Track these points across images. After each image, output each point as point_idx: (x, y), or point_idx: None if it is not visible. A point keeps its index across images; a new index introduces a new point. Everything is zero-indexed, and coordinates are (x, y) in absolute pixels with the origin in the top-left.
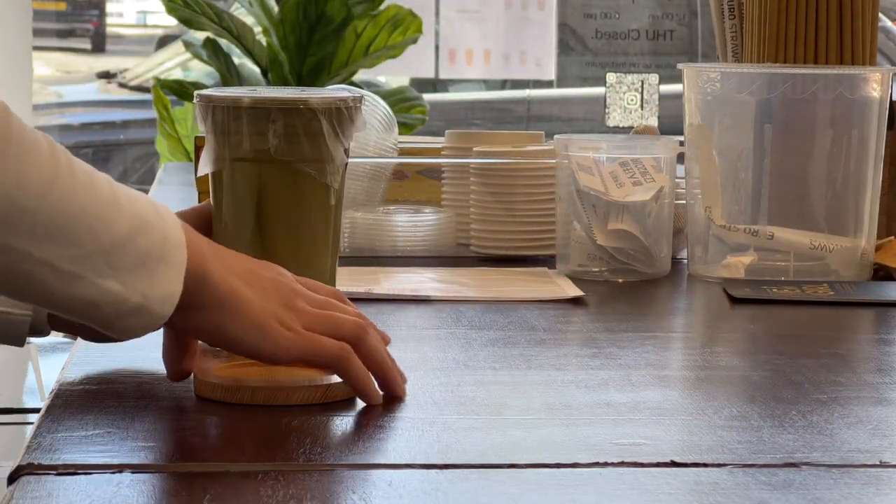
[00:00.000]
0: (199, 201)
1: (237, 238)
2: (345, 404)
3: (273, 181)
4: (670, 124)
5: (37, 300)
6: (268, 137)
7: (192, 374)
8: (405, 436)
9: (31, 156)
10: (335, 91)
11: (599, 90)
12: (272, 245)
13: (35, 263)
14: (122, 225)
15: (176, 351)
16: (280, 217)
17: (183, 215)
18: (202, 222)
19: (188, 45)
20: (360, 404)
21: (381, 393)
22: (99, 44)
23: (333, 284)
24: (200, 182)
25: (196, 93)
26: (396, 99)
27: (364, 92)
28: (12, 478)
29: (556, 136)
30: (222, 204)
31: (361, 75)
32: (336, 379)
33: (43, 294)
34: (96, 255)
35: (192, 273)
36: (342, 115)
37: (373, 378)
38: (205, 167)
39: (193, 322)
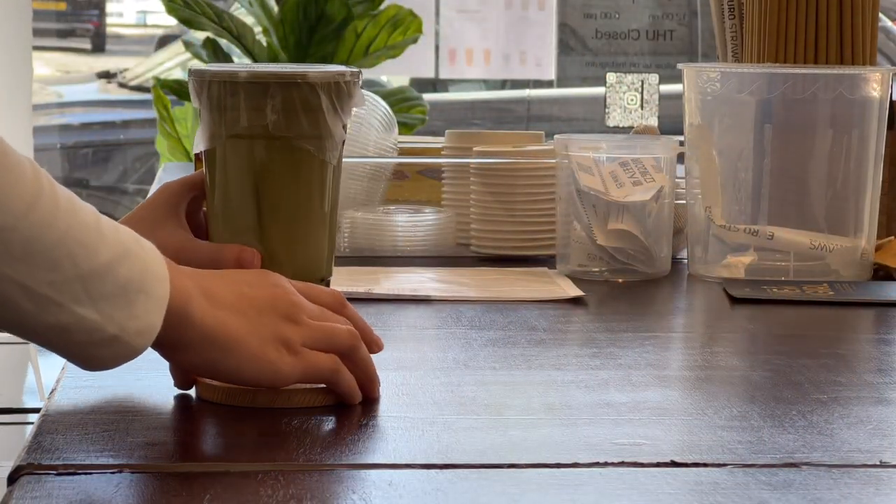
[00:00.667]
0: None
1: (232, 217)
2: (345, 405)
3: (271, 158)
4: (670, 124)
5: (8, 323)
6: (266, 113)
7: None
8: (405, 436)
9: (12, 175)
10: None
11: (599, 90)
12: (269, 223)
13: (8, 283)
14: (103, 253)
15: None
16: (277, 195)
17: (172, 186)
18: (191, 192)
19: (188, 45)
20: (361, 405)
21: (361, 394)
22: (99, 44)
23: (331, 265)
24: (198, 161)
25: (190, 68)
26: (396, 99)
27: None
28: (12, 478)
29: (556, 136)
30: (218, 182)
31: (363, 74)
32: None
33: (14, 316)
34: (75, 281)
35: (174, 311)
36: (341, 89)
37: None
38: (199, 145)
39: (184, 360)
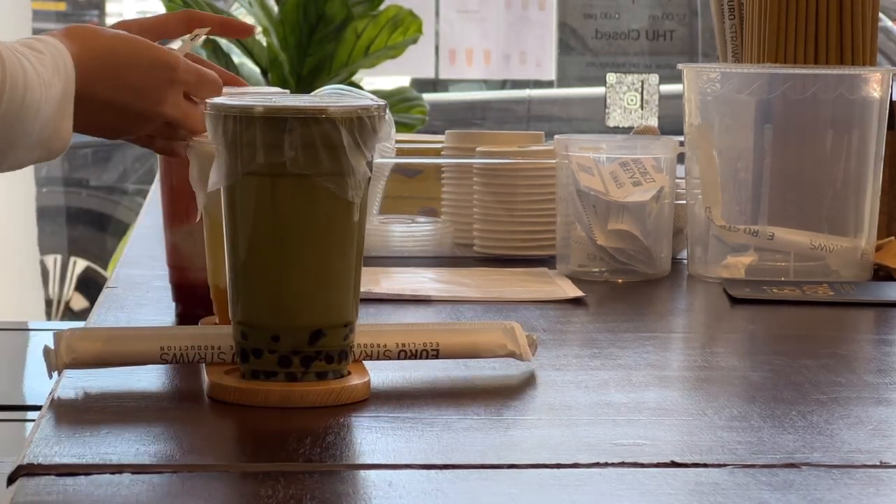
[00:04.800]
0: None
1: (248, 258)
2: (345, 405)
3: (289, 197)
4: (670, 124)
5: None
6: (283, 149)
7: (207, 380)
8: (405, 436)
9: None
10: (358, 99)
11: (599, 90)
12: (289, 267)
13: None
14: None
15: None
16: (297, 236)
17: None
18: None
19: None
20: (362, 405)
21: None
22: None
23: (357, 307)
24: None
25: (207, 101)
26: (396, 99)
27: (364, 91)
28: (12, 478)
29: (556, 136)
30: (235, 222)
31: (365, 75)
32: (350, 381)
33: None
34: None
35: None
36: (364, 124)
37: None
38: (215, 182)
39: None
